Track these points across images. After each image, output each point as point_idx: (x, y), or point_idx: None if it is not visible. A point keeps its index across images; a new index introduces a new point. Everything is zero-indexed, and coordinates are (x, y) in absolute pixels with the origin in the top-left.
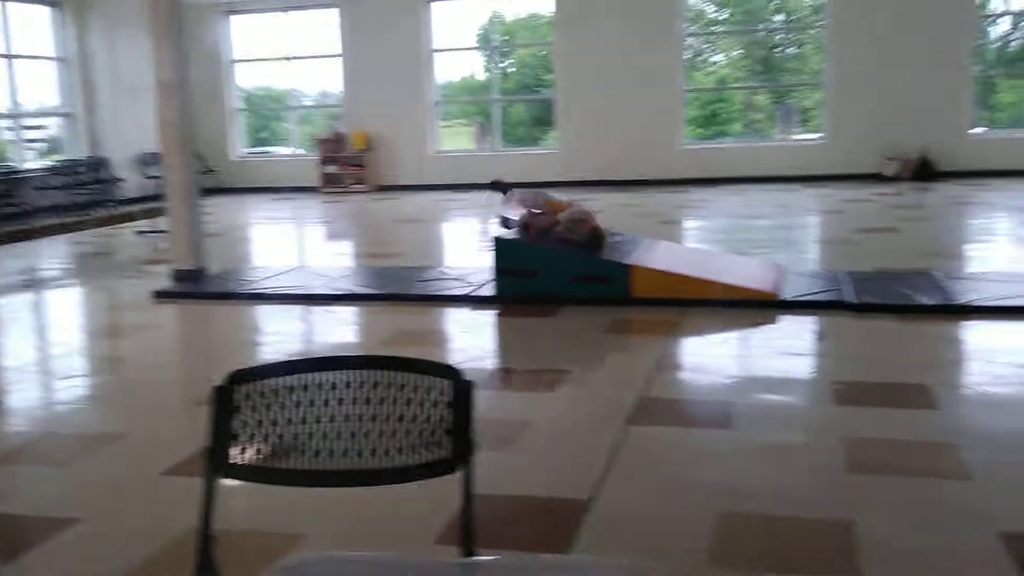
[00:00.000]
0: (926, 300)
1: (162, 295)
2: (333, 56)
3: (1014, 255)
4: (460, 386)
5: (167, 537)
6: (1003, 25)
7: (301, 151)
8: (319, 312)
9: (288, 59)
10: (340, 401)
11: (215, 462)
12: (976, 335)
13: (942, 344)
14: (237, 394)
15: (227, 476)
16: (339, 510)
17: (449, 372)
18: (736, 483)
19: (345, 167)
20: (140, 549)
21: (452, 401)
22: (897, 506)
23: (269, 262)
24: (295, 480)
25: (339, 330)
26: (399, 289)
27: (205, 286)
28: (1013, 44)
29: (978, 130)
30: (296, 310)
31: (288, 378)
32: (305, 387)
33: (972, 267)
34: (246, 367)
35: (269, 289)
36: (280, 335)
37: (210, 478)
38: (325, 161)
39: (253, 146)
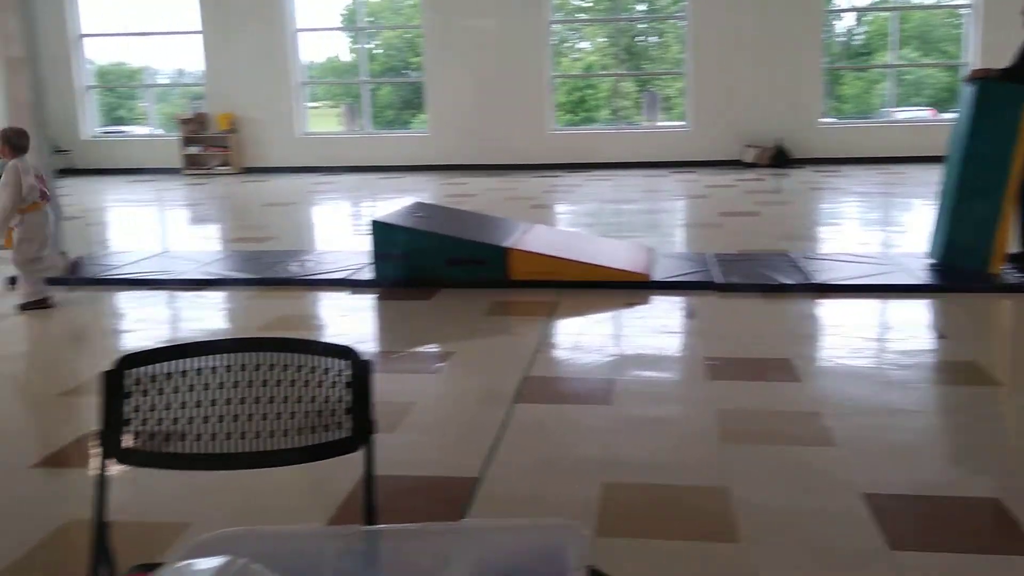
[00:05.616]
0: (786, 280)
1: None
2: (191, 33)
3: (862, 238)
4: (358, 366)
5: (46, 531)
6: (847, 20)
7: (160, 131)
8: (189, 298)
9: (142, 35)
10: (236, 384)
11: (108, 448)
12: (832, 312)
13: (802, 320)
14: (127, 379)
15: (121, 462)
16: (224, 498)
17: (346, 352)
18: (618, 456)
19: (209, 148)
20: (18, 545)
21: (350, 381)
22: (768, 472)
23: (131, 247)
24: (193, 464)
25: (212, 316)
26: (273, 273)
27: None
28: (856, 39)
29: (826, 120)
30: (162, 296)
31: (180, 362)
32: (199, 371)
33: (826, 248)
34: (136, 351)
35: (133, 275)
36: (148, 322)
37: (103, 465)
38: (187, 142)
39: (108, 125)
